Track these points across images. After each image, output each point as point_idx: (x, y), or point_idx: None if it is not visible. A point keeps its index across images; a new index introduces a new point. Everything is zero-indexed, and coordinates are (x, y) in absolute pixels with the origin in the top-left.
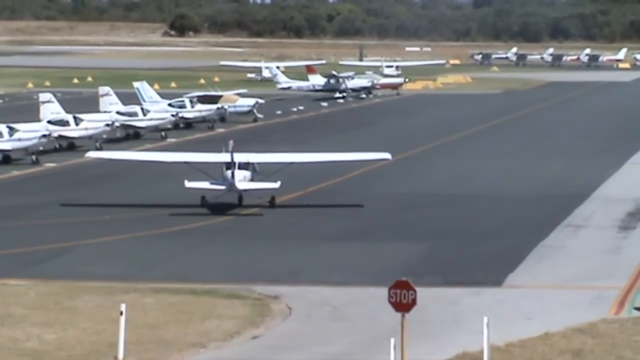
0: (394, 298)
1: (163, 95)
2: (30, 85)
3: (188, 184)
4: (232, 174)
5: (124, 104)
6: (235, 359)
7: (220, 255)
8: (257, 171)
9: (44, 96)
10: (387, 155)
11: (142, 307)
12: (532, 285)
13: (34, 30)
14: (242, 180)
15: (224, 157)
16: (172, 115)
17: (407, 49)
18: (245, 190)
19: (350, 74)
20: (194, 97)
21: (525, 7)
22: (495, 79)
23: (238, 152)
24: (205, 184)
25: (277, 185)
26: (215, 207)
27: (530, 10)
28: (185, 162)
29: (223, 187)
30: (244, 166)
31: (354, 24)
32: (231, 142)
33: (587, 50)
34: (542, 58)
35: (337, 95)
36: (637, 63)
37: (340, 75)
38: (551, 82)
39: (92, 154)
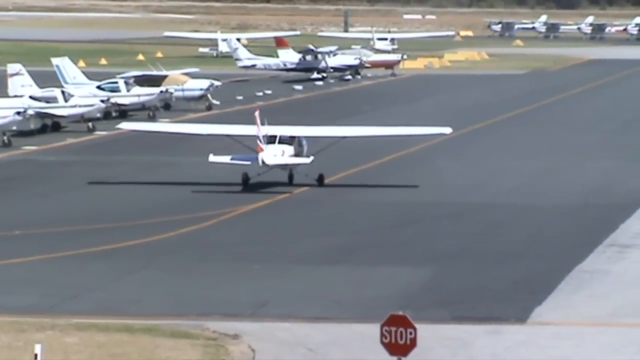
0: (388, 338)
1: (90, 76)
2: None
3: (212, 158)
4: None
5: (40, 86)
6: None
7: (163, 281)
8: (304, 146)
9: None
10: (446, 130)
11: (63, 349)
12: (566, 322)
13: None
14: (278, 156)
15: (267, 129)
16: (102, 101)
17: (406, 16)
18: (273, 166)
19: (332, 48)
20: (130, 77)
21: None
22: (519, 56)
23: (283, 126)
24: (226, 159)
25: (308, 160)
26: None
27: None
28: (227, 135)
29: (247, 162)
30: (286, 140)
31: None
32: (257, 113)
33: (638, 19)
34: (579, 29)
35: (315, 75)
36: None
37: (319, 50)
38: (591, 60)
39: (125, 125)
